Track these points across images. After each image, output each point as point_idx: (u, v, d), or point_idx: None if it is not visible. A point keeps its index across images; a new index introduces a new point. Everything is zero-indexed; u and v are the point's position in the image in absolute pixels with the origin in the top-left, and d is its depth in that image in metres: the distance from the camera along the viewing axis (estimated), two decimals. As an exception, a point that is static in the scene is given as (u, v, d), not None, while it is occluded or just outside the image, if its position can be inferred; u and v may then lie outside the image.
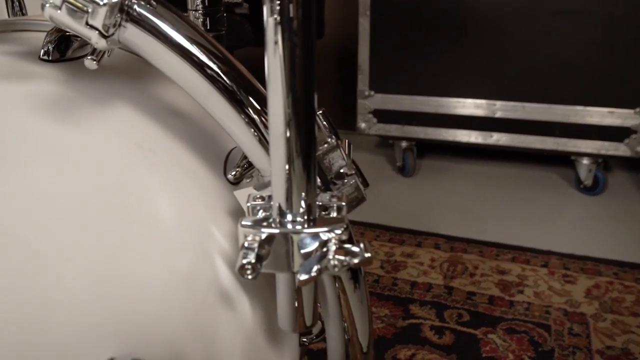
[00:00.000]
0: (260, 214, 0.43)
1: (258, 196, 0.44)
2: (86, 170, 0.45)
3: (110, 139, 0.47)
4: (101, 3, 0.42)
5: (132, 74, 0.53)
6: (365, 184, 0.56)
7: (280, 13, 0.34)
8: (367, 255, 0.41)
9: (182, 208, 0.48)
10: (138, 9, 0.44)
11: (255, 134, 0.46)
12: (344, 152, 0.55)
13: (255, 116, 0.46)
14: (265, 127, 0.46)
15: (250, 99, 0.46)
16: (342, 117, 2.34)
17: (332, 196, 0.45)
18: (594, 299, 1.26)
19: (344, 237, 0.42)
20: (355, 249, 0.41)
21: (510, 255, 1.43)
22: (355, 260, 0.40)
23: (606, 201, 1.73)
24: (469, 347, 1.12)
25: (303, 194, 0.40)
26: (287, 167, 0.39)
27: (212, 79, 0.45)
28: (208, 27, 0.93)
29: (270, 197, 0.42)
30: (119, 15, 0.43)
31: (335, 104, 2.36)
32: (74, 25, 0.43)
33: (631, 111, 1.62)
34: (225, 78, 0.46)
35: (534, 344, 1.12)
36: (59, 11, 0.42)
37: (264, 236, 0.41)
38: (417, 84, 1.80)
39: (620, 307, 1.22)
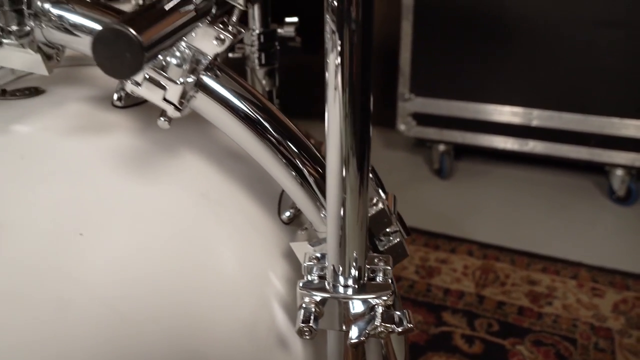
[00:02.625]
0: (316, 273, 0.50)
1: (314, 257, 0.51)
2: (157, 223, 0.50)
3: (178, 190, 0.53)
4: (178, 83, 0.49)
5: (191, 118, 0.58)
6: (407, 233, 0.63)
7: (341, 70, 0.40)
8: (410, 325, 0.48)
9: (244, 257, 0.54)
10: (206, 79, 0.50)
11: (312, 196, 0.53)
12: (390, 209, 0.60)
13: (312, 179, 0.53)
14: (321, 190, 0.52)
15: (307, 163, 0.53)
16: (382, 114, 2.39)
17: (379, 259, 0.52)
18: (621, 314, 1.31)
19: (390, 303, 0.49)
20: (399, 317, 0.48)
21: (541, 265, 1.49)
22: (399, 329, 0.48)
23: (638, 212, 1.76)
24: (497, 358, 1.19)
25: (355, 258, 0.47)
26: (341, 234, 0.46)
27: (272, 143, 0.51)
28: (263, 62, 1.01)
29: (324, 257, 0.49)
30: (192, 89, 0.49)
31: (375, 101, 2.41)
32: (152, 99, 0.49)
33: (668, 125, 1.65)
34: (284, 143, 0.52)
35: (559, 357, 1.19)
36: (139, 87, 0.49)
37: (318, 299, 0.48)
38: (457, 89, 1.85)
39: (646, 323, 1.28)
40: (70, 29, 0.47)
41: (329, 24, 0.38)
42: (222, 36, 0.49)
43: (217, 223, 0.54)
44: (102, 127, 0.53)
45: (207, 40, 0.49)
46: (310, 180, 0.53)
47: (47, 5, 0.47)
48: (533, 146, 1.82)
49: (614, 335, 1.25)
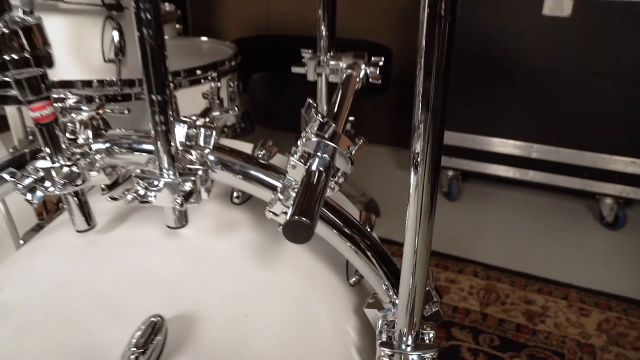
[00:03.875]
0: (385, 333, 0.73)
1: (386, 322, 0.74)
2: (284, 300, 0.71)
3: (291, 274, 0.76)
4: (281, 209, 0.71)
5: (260, 214, 0.79)
6: (440, 297, 0.85)
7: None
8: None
9: (332, 316, 0.77)
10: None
11: (377, 274, 0.76)
12: (432, 284, 0.82)
13: (375, 261, 0.75)
14: (383, 270, 0.75)
15: (371, 249, 0.75)
16: (399, 135, 2.62)
17: (427, 325, 0.74)
18: (603, 332, 1.55)
19: (435, 357, 0.72)
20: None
21: (536, 286, 1.72)
22: (439, 374, 0.71)
23: (625, 236, 1.99)
24: (498, 369, 1.42)
25: (415, 327, 0.70)
26: (410, 312, 0.68)
27: (344, 234, 0.74)
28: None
29: (394, 323, 0.72)
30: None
31: (394, 122, 2.64)
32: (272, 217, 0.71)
33: (652, 162, 1.87)
34: (354, 236, 0.75)
35: (550, 369, 1.42)
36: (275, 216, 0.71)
37: (390, 353, 0.71)
38: (466, 123, 2.07)
39: (625, 341, 1.51)
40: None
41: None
42: (333, 185, 0.70)
43: (316, 294, 0.77)
44: (232, 225, 0.76)
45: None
46: (375, 262, 0.75)
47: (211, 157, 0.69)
48: (532, 175, 2.05)
49: (596, 351, 1.48)
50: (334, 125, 0.62)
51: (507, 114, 2.01)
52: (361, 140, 0.64)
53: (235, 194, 0.79)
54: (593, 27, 1.80)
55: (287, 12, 2.67)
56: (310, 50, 0.97)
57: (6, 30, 0.53)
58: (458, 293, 1.69)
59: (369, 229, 0.85)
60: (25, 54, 0.55)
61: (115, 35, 0.78)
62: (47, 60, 0.57)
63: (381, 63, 0.94)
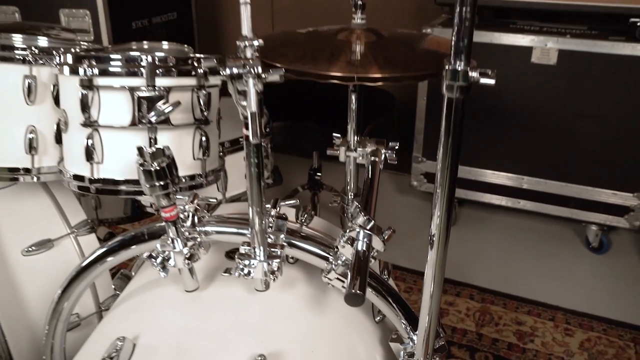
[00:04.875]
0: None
1: (406, 353, 0.95)
2: (330, 339, 0.95)
3: (335, 317, 0.98)
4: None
5: (307, 269, 1.02)
6: (445, 332, 1.06)
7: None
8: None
9: (367, 350, 0.99)
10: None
11: (400, 317, 0.97)
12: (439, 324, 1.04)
13: (397, 306, 0.96)
14: (402, 314, 0.96)
15: (392, 299, 0.96)
16: (399, 159, 2.80)
17: (436, 355, 0.95)
18: (585, 350, 1.74)
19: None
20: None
21: (526, 308, 1.92)
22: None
23: (609, 260, 2.19)
24: (491, 385, 1.62)
25: (429, 358, 0.91)
26: (424, 345, 0.89)
27: (372, 287, 0.95)
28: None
29: (413, 354, 0.93)
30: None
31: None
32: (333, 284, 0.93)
33: (630, 194, 2.07)
34: (379, 286, 0.95)
35: (537, 385, 1.62)
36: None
37: None
38: (463, 156, 2.26)
39: (604, 358, 1.71)
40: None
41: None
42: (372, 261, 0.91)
43: (353, 332, 0.99)
44: (291, 281, 0.98)
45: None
46: (394, 305, 0.96)
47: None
48: (524, 204, 2.25)
49: (578, 367, 1.68)
50: (373, 221, 0.85)
51: (500, 149, 2.21)
52: (391, 230, 0.89)
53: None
54: (576, 75, 2.01)
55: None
56: (339, 135, 1.19)
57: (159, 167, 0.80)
58: (456, 315, 1.89)
59: (387, 275, 1.07)
60: (168, 181, 0.81)
61: (203, 141, 1.01)
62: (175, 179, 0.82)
63: (396, 147, 1.16)
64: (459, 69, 0.71)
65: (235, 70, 0.76)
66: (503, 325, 1.85)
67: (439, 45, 1.15)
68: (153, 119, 0.92)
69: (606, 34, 2.02)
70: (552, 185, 2.18)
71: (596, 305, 1.94)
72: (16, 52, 1.12)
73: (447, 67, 0.71)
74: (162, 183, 0.83)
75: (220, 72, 0.76)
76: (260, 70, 0.76)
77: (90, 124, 0.98)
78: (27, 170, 1.17)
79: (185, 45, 2.35)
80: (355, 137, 1.19)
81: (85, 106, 0.97)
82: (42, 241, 1.35)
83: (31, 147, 1.15)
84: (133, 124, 0.96)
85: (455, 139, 0.75)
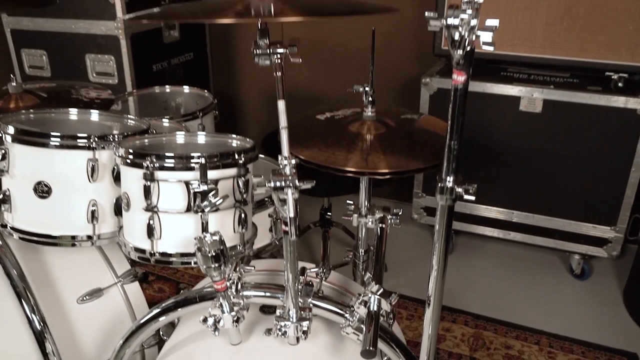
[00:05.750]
0: None
1: None
2: None
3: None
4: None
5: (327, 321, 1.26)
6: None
7: None
8: None
9: None
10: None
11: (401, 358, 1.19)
12: None
13: (399, 351, 1.19)
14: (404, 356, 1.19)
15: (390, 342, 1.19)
16: (402, 190, 3.03)
17: None
18: (565, 372, 1.97)
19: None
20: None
21: (515, 333, 2.15)
22: None
23: (590, 286, 2.42)
24: (483, 406, 1.85)
25: None
26: None
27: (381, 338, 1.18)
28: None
29: None
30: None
31: (398, 181, 3.06)
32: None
33: (608, 228, 2.30)
34: (386, 334, 1.18)
35: (523, 405, 1.84)
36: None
37: None
38: (457, 191, 2.49)
39: (581, 380, 1.94)
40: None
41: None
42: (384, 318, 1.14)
43: None
44: (314, 331, 1.20)
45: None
46: (396, 349, 1.19)
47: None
48: (514, 236, 2.48)
49: (559, 389, 1.90)
50: (383, 289, 1.08)
51: (492, 186, 2.44)
52: (397, 294, 1.10)
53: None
54: (559, 121, 2.23)
55: (300, 83, 3.09)
56: (352, 202, 1.41)
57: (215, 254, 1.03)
58: (452, 340, 2.12)
59: (392, 318, 1.29)
60: (221, 262, 1.04)
61: (242, 217, 1.22)
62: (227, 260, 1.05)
63: (400, 213, 1.38)
64: (448, 186, 0.93)
65: (277, 184, 0.98)
66: (494, 349, 2.07)
67: (434, 126, 1.37)
68: (206, 210, 1.14)
69: (586, 83, 2.25)
70: (539, 219, 2.40)
71: (577, 329, 2.16)
72: (80, 141, 1.34)
73: (439, 184, 0.94)
74: (216, 265, 1.05)
75: (266, 184, 0.99)
76: (297, 183, 0.98)
77: (151, 209, 1.19)
78: (89, 237, 1.39)
79: (205, 91, 2.56)
80: (366, 205, 1.42)
81: (147, 194, 1.19)
82: (94, 290, 1.58)
83: (93, 217, 1.37)
84: (188, 210, 1.18)
85: (447, 240, 0.96)
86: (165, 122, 2.14)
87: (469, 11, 0.84)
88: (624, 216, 2.28)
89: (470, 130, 2.36)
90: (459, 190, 0.94)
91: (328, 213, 2.42)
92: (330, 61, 3.01)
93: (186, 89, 2.53)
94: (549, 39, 2.23)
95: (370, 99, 1.30)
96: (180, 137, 1.45)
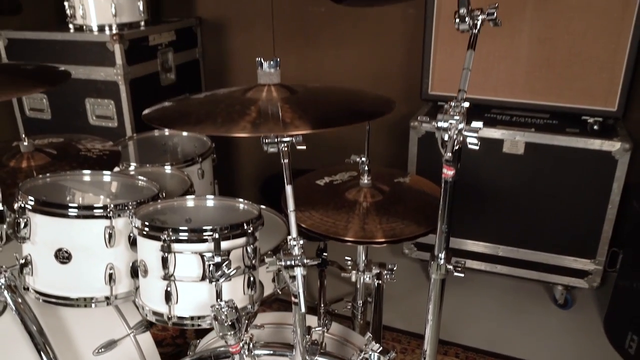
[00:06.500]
0: None
1: None
2: None
3: None
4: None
5: None
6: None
7: None
8: None
9: None
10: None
11: None
12: None
13: None
14: None
15: None
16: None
17: None
18: (551, 403, 2.09)
19: None
20: None
21: (502, 364, 2.27)
22: None
23: (573, 315, 2.55)
24: None
25: None
26: None
27: None
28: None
29: None
30: None
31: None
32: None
33: (588, 261, 2.44)
34: None
35: None
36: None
37: None
38: (446, 226, 2.62)
39: (566, 410, 2.06)
40: None
41: None
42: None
43: None
44: None
45: None
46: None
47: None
48: (500, 269, 2.61)
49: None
50: (382, 347, 1.19)
51: (479, 222, 2.57)
52: (395, 352, 1.22)
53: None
54: (540, 162, 2.37)
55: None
56: (350, 258, 1.53)
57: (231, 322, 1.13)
58: (444, 373, 2.23)
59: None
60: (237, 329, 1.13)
61: (251, 281, 1.33)
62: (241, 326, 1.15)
63: (395, 269, 1.50)
64: (441, 263, 1.05)
65: (288, 263, 1.09)
66: (483, 381, 2.19)
67: (423, 187, 1.50)
68: (221, 280, 1.25)
69: (564, 124, 2.39)
70: (523, 252, 2.53)
71: (562, 357, 2.29)
72: (96, 211, 1.44)
73: (432, 261, 1.06)
74: (233, 332, 1.16)
75: (276, 261, 1.10)
76: (305, 261, 1.10)
77: (168, 277, 1.30)
78: (107, 298, 1.49)
79: (204, 136, 2.66)
80: (364, 262, 1.53)
81: (164, 264, 1.29)
82: (109, 342, 1.68)
83: (110, 280, 1.47)
84: (203, 278, 1.29)
85: (440, 310, 1.08)
86: (168, 169, 2.25)
87: (457, 117, 0.97)
88: (602, 249, 2.41)
89: (457, 171, 2.50)
90: (450, 267, 1.05)
91: (324, 253, 2.53)
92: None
93: (185, 133, 2.63)
94: (529, 85, 2.37)
95: (366, 168, 1.42)
96: (190, 201, 1.56)
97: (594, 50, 2.25)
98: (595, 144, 2.26)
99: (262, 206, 1.93)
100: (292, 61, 3.15)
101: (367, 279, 1.53)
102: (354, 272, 1.53)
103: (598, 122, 2.33)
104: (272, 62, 1.24)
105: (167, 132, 2.67)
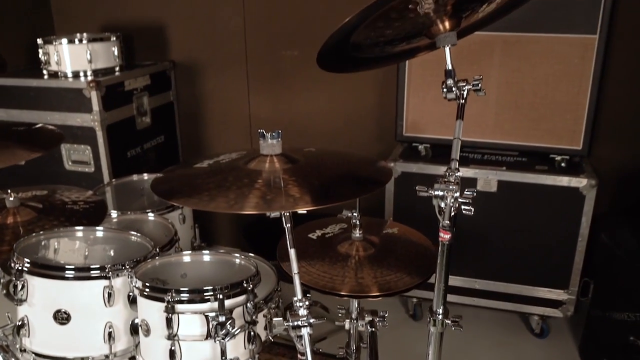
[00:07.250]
0: None
1: None
2: None
3: None
4: None
5: None
6: None
7: None
8: None
9: None
10: None
11: None
12: None
13: None
14: None
15: None
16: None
17: None
18: None
19: None
20: None
21: (486, 397, 2.34)
22: None
23: (549, 343, 2.65)
24: None
25: None
26: None
27: None
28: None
29: None
30: None
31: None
32: None
33: (562, 291, 2.54)
34: None
35: None
36: None
37: None
38: (424, 262, 2.69)
39: None
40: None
41: None
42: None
43: None
44: None
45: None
46: None
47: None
48: (477, 301, 2.69)
49: None
50: None
51: (455, 258, 2.65)
52: None
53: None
54: (513, 199, 2.48)
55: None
56: (343, 307, 1.58)
57: None
58: (430, 409, 2.28)
59: None
60: None
61: (252, 335, 1.38)
62: None
63: (386, 315, 1.55)
64: (439, 319, 1.12)
65: (295, 324, 1.14)
66: (469, 415, 2.25)
67: (410, 235, 1.56)
68: (226, 339, 1.28)
69: (534, 161, 2.51)
70: (499, 285, 2.63)
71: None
72: (95, 272, 1.46)
73: (430, 317, 1.12)
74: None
75: (284, 323, 1.15)
76: (312, 321, 1.15)
77: (172, 337, 1.33)
78: (106, 357, 1.50)
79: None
80: (357, 309, 1.58)
81: (169, 325, 1.32)
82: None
83: (110, 338, 1.48)
84: (207, 337, 1.32)
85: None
86: (151, 216, 2.26)
87: (452, 187, 1.05)
88: (574, 280, 2.52)
89: (433, 209, 2.59)
90: (448, 322, 1.12)
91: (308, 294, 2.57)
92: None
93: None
94: (499, 126, 2.49)
95: (357, 222, 1.48)
96: (187, 257, 1.59)
97: (557, 93, 2.39)
98: (564, 181, 2.38)
99: (251, 254, 1.97)
100: (265, 103, 3.21)
101: (361, 327, 1.58)
102: (347, 320, 1.58)
103: (565, 160, 2.45)
104: (274, 134, 1.29)
105: (145, 176, 2.68)
